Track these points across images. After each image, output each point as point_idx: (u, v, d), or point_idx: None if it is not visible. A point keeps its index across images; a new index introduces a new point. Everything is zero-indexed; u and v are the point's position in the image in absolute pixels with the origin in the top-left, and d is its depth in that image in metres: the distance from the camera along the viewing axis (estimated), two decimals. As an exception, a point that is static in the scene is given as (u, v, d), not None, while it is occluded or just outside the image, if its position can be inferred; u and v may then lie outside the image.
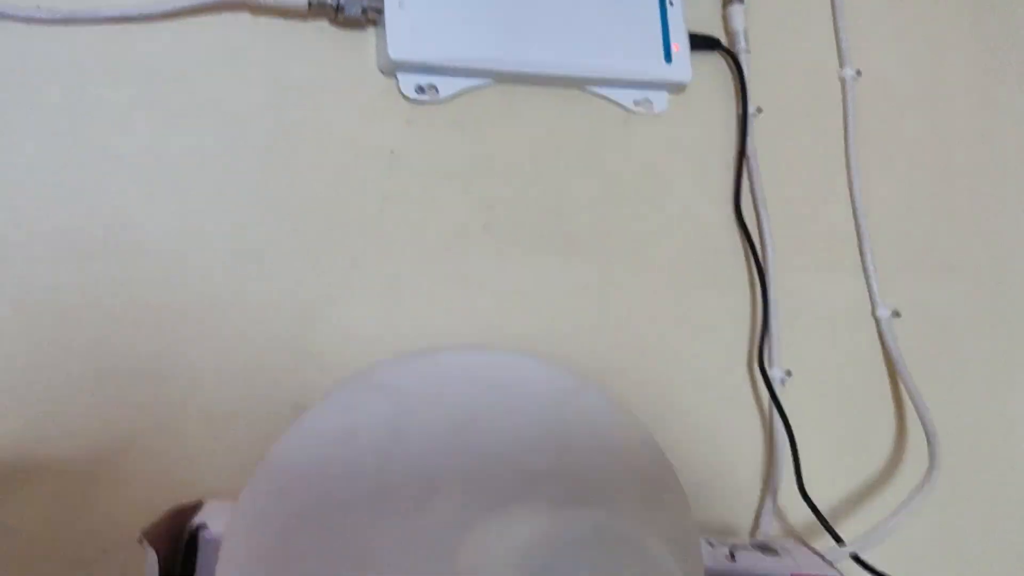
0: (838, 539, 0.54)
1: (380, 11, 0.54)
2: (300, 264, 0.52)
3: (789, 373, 0.60)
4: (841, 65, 0.66)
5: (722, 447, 0.59)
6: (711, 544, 0.47)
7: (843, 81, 0.66)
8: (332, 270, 0.53)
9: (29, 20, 0.50)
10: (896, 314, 0.63)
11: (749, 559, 0.46)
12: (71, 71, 0.50)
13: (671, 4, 0.61)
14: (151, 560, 0.37)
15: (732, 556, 0.46)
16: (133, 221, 0.50)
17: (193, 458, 0.48)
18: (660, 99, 0.61)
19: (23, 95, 0.50)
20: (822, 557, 0.47)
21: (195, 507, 0.42)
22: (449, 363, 0.33)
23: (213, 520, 0.40)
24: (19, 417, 0.46)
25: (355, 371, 0.32)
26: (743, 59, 0.63)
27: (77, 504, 0.47)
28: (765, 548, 0.48)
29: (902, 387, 0.61)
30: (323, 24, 0.55)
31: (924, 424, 0.59)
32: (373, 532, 0.28)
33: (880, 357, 0.63)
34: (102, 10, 0.51)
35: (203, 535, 0.40)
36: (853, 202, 0.64)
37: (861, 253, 0.64)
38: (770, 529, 0.57)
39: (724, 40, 0.64)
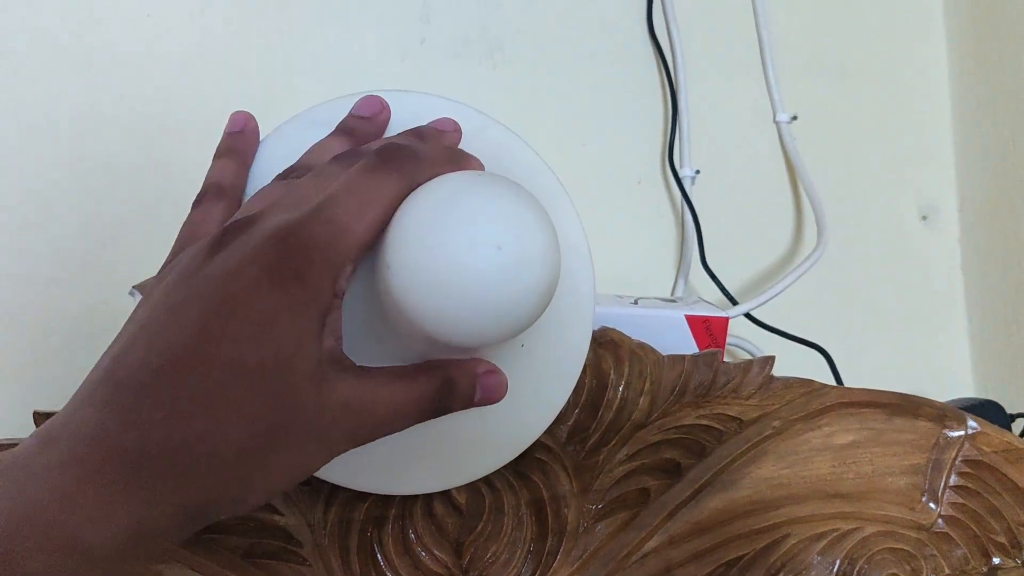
0: (733, 301, 0.62)
1: None
2: (251, 71, 0.58)
3: (698, 172, 0.67)
4: None
5: (640, 236, 0.67)
6: (619, 297, 0.56)
7: (748, -99, 0.71)
8: (279, 75, 0.58)
9: None
10: (794, 118, 0.70)
11: (651, 306, 0.54)
12: None
13: None
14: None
15: (636, 304, 0.54)
16: (96, 37, 0.55)
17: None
18: (577, -79, 0.67)
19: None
20: (711, 304, 0.55)
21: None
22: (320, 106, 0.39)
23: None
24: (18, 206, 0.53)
25: (299, 112, 0.38)
26: None
27: (74, 288, 0.54)
28: (668, 301, 0.56)
29: (799, 182, 0.69)
30: None
31: (815, 211, 0.67)
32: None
33: (780, 156, 0.70)
34: None
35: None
36: (755, 14, 0.70)
37: (763, 63, 0.70)
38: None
39: None
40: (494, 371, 0.34)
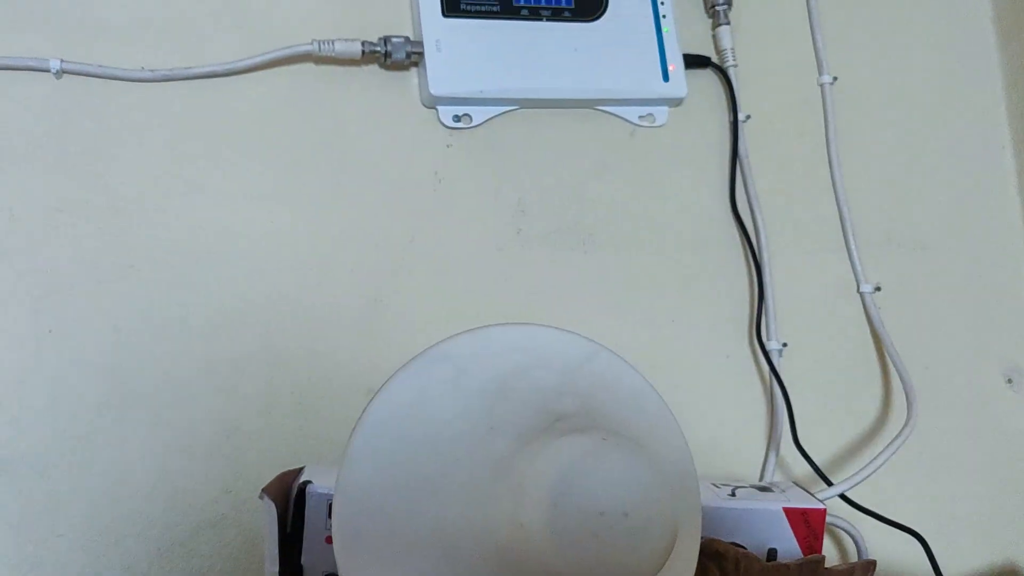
0: (828, 481, 0.63)
1: (421, 54, 0.65)
2: (364, 269, 0.63)
3: (785, 345, 0.69)
4: (819, 72, 0.75)
5: (730, 411, 0.69)
6: (716, 486, 0.57)
7: (822, 87, 0.75)
8: (391, 272, 0.63)
9: (134, 79, 0.61)
10: (878, 289, 0.72)
11: (747, 496, 0.55)
12: (171, 122, 0.61)
13: (666, 30, 0.70)
14: (271, 510, 0.48)
15: (733, 494, 0.55)
16: (226, 241, 0.61)
17: (289, 433, 0.59)
18: (661, 113, 0.71)
19: (129, 144, 0.61)
20: (810, 493, 0.57)
21: (299, 470, 0.52)
22: (494, 335, 0.43)
23: (315, 478, 0.50)
24: (151, 411, 0.57)
25: (422, 349, 0.42)
26: (732, 73, 0.72)
27: (199, 481, 0.58)
28: (763, 488, 0.58)
29: (884, 352, 0.71)
30: (374, 68, 0.66)
31: (903, 381, 0.68)
32: (449, 466, 0.38)
33: (865, 327, 0.72)
34: (193, 69, 0.61)
35: (309, 490, 0.50)
36: (835, 191, 0.73)
37: (844, 236, 0.73)
38: (773, 478, 0.67)
39: (714, 57, 0.73)
40: None
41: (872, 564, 0.47)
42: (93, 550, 0.55)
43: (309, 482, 0.50)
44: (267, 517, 0.48)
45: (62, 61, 0.59)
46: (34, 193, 0.58)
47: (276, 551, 0.48)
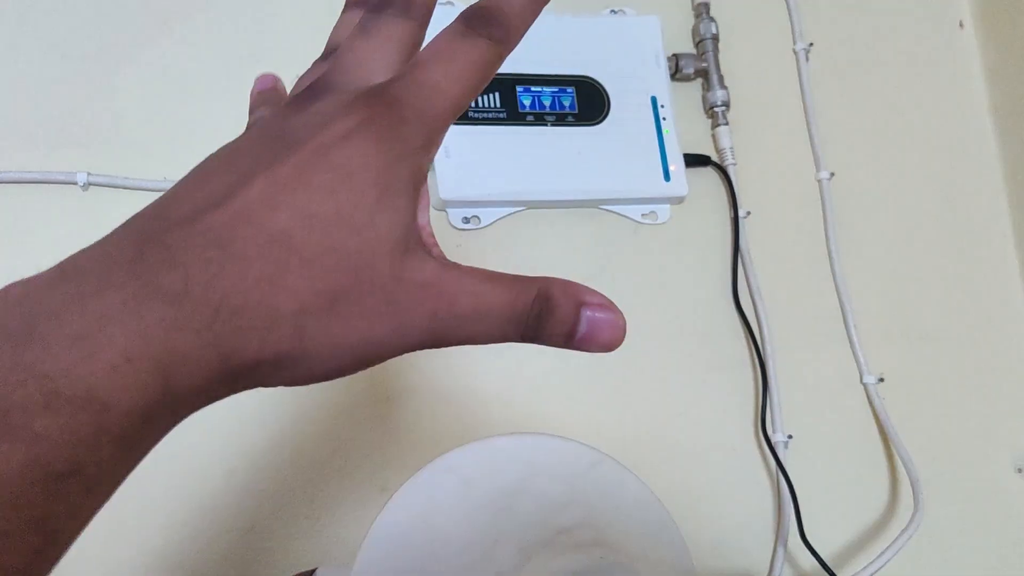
0: (832, 574, 0.64)
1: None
2: (380, 366, 0.64)
3: (790, 437, 0.70)
4: (817, 169, 0.78)
5: (737, 505, 0.69)
6: (723, 583, 0.58)
7: (820, 183, 0.77)
8: (404, 370, 0.65)
9: (159, 190, 0.64)
10: (881, 379, 0.73)
11: (755, 594, 0.55)
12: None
13: (667, 132, 0.73)
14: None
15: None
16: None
17: (302, 536, 0.60)
18: (663, 211, 0.73)
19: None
20: (816, 590, 0.57)
21: (311, 572, 0.53)
22: (500, 446, 0.44)
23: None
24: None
25: (431, 460, 0.44)
26: (731, 171, 0.75)
27: None
28: (770, 586, 0.58)
29: (890, 443, 0.71)
30: (385, 174, 0.68)
31: (909, 473, 0.68)
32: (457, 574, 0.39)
33: (870, 417, 0.73)
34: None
35: (317, 573, 0.51)
36: (836, 285, 0.75)
37: (847, 329, 0.74)
38: (782, 574, 0.67)
39: (714, 156, 0.76)
40: (607, 306, 0.27)
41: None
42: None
43: (316, 568, 0.51)
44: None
45: (88, 174, 0.62)
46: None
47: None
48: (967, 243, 0.79)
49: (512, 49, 0.28)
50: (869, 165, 0.79)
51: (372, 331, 0.25)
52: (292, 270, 0.23)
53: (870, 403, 0.73)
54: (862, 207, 0.78)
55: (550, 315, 0.27)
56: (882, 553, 0.63)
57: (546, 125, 0.70)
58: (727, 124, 0.76)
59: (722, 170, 0.75)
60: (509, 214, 0.70)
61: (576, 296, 0.27)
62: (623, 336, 0.27)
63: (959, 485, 0.73)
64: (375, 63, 0.28)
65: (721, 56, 0.76)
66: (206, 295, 0.22)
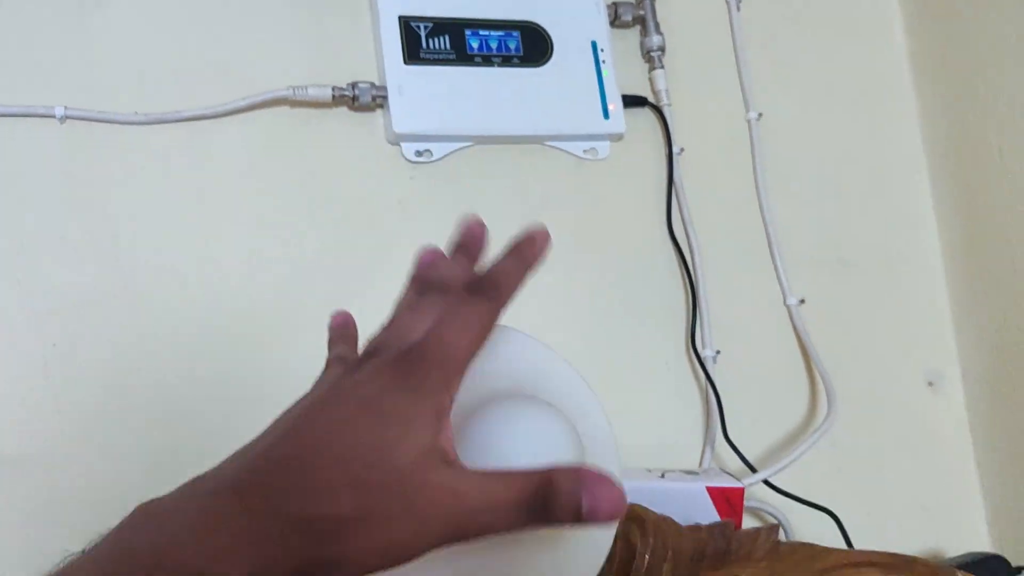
0: (753, 469, 0.71)
1: (385, 97, 0.73)
2: (338, 287, 0.70)
3: (719, 352, 0.77)
4: (746, 109, 0.84)
5: (670, 413, 0.76)
6: (649, 471, 0.64)
7: (749, 122, 0.84)
8: (362, 290, 0.70)
9: (127, 122, 0.69)
10: (802, 301, 0.80)
11: (676, 478, 0.62)
12: (162, 160, 0.69)
13: (606, 74, 0.79)
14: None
15: (663, 477, 0.62)
16: (213, 267, 0.68)
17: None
18: (603, 147, 0.79)
19: (124, 181, 0.68)
20: (731, 475, 0.64)
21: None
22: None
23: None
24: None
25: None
26: (666, 111, 0.81)
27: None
28: (690, 473, 0.65)
29: (810, 359, 0.78)
30: (343, 110, 0.74)
31: (825, 383, 0.75)
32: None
33: (792, 336, 0.80)
34: (182, 112, 0.69)
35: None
36: (763, 215, 0.81)
37: (772, 255, 0.81)
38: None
39: (651, 98, 0.82)
40: (606, 483, 0.31)
41: (775, 528, 0.54)
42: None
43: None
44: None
45: (66, 108, 0.67)
46: (41, 225, 0.66)
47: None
48: (884, 177, 0.86)
49: (507, 305, 0.38)
50: (795, 106, 0.86)
51: (402, 538, 0.31)
52: (339, 489, 0.31)
53: (792, 323, 0.80)
54: (788, 144, 0.84)
55: (555, 501, 0.31)
56: (795, 449, 0.70)
57: (493, 66, 0.76)
58: (663, 68, 0.82)
59: (658, 110, 0.81)
60: (459, 148, 0.76)
61: (577, 480, 0.31)
62: (625, 506, 0.32)
63: (873, 396, 0.80)
64: (416, 328, 0.37)
65: (657, 4, 0.82)
66: (275, 510, 0.31)
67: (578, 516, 0.31)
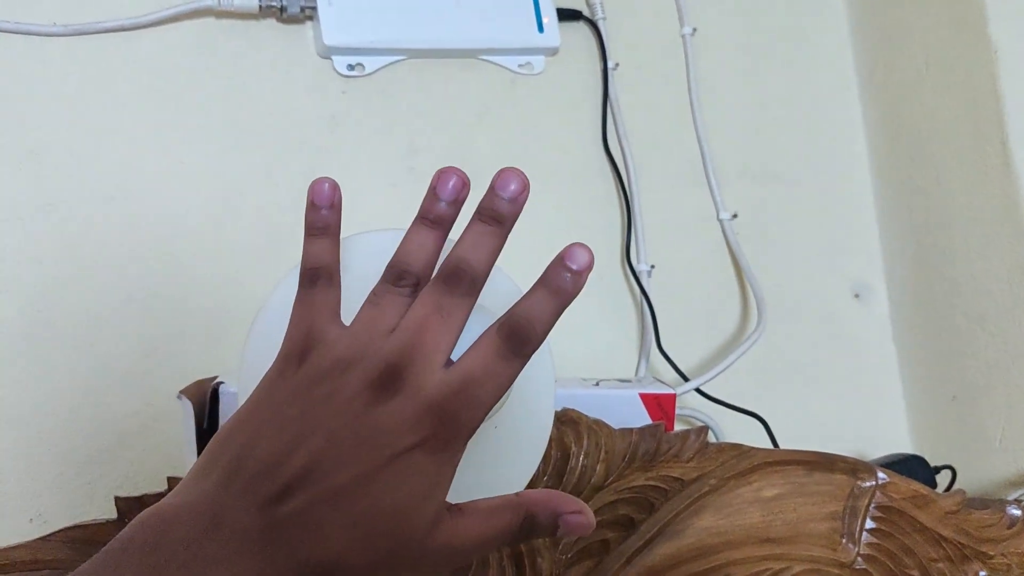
0: (686, 378, 0.72)
1: (314, 8, 0.71)
2: (267, 204, 0.69)
3: (653, 267, 0.78)
4: (681, 25, 0.84)
5: (605, 325, 0.77)
6: (583, 380, 0.66)
7: (683, 37, 0.84)
8: (290, 206, 0.70)
9: (47, 34, 0.66)
10: (735, 216, 0.81)
11: (610, 387, 0.63)
12: (83, 72, 0.67)
13: (541, -14, 0.78)
14: (188, 408, 0.54)
15: (597, 385, 0.64)
16: (138, 181, 0.67)
17: (203, 352, 0.65)
18: (538, 62, 0.79)
19: (44, 93, 0.66)
20: (663, 383, 0.65)
21: (213, 378, 0.59)
22: (362, 241, 0.50)
23: (227, 381, 0.57)
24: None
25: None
26: (601, 26, 0.80)
27: (120, 396, 0.64)
28: (624, 381, 0.66)
29: (742, 272, 0.80)
30: (271, 22, 0.72)
31: (756, 295, 0.77)
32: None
33: (724, 250, 0.81)
34: (103, 23, 0.67)
35: (222, 389, 0.56)
36: (696, 131, 0.82)
37: (705, 171, 0.82)
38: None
39: (585, 11, 0.81)
40: (579, 510, 0.37)
41: (705, 429, 0.55)
42: (27, 458, 0.61)
43: (221, 383, 0.57)
44: (185, 414, 0.55)
45: (-23, 17, 0.64)
46: (-44, 140, 0.63)
47: (194, 444, 0.55)
48: (815, 93, 0.87)
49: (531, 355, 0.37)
50: (728, 21, 0.86)
51: (410, 570, 0.34)
52: (358, 548, 0.33)
53: (725, 237, 0.81)
54: (721, 60, 0.85)
55: (536, 526, 0.37)
56: (725, 359, 0.72)
57: (426, -23, 0.74)
58: (598, -20, 0.81)
59: (593, 24, 0.81)
60: (392, 62, 0.74)
61: (554, 509, 0.37)
62: (592, 528, 0.38)
63: (802, 308, 0.82)
64: (443, 349, 0.36)
65: (592, -84, 0.81)
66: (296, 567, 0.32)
67: (554, 537, 0.41)
